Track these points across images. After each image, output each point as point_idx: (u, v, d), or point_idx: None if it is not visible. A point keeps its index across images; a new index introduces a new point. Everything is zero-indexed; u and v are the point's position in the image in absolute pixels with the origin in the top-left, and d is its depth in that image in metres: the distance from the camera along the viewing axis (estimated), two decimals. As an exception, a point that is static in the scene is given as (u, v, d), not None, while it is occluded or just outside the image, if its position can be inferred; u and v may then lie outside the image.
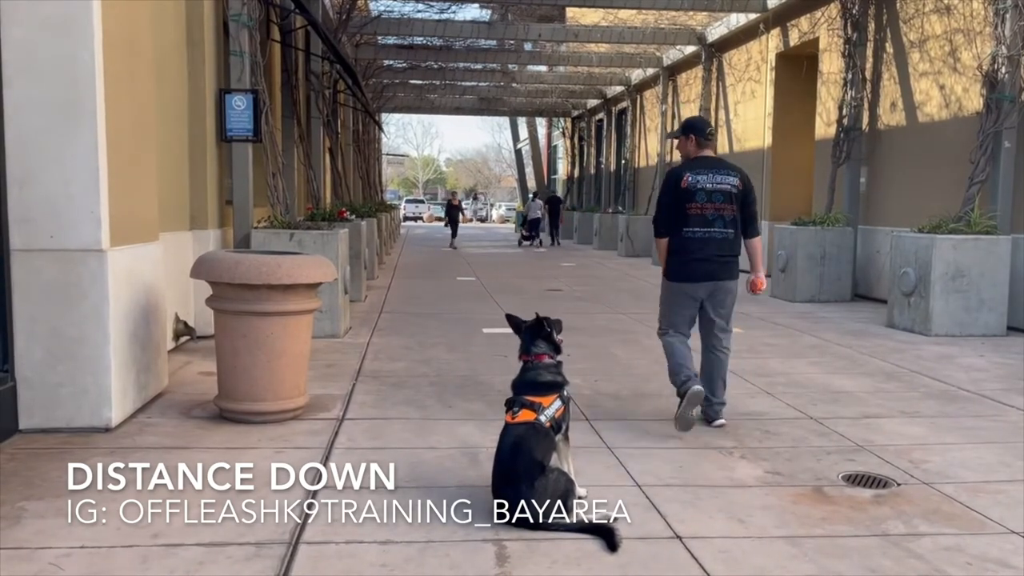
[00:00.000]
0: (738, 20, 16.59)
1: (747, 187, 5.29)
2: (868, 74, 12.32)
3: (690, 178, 5.20)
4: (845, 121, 12.33)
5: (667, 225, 5.31)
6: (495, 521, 3.55)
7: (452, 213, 28.30)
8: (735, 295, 5.39)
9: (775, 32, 15.58)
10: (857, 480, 4.25)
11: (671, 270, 5.35)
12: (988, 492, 4.08)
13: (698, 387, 4.99)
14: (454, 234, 26.61)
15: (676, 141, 5.52)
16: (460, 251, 23.51)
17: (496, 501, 3.59)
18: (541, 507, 3.47)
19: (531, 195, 32.04)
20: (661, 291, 5.50)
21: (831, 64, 13.42)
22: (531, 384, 3.76)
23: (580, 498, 3.71)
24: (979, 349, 8.14)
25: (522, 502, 3.47)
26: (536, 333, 3.92)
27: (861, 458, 4.61)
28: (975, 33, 10.17)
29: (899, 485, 4.18)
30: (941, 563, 3.27)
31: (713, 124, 15.48)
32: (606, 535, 3.40)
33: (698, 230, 5.20)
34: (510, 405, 3.71)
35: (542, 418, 3.63)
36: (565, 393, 3.81)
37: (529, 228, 27.18)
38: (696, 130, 5.38)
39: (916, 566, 3.25)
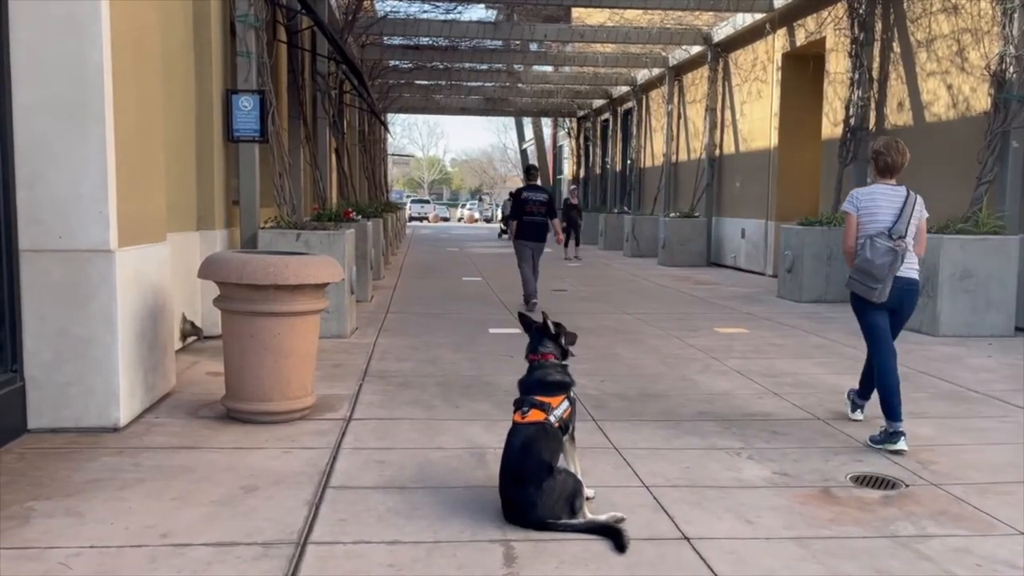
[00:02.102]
0: (744, 20, 16.57)
1: (551, 198, 11.24)
2: (875, 74, 12.29)
3: (525, 194, 10.93)
4: (852, 121, 12.31)
5: (516, 215, 10.95)
6: (503, 522, 3.56)
7: (571, 214, 21.43)
8: (542, 248, 11.04)
9: (781, 32, 15.55)
10: (865, 481, 4.24)
11: (520, 235, 10.93)
12: (997, 493, 4.07)
13: (535, 301, 10.55)
14: (577, 241, 21.09)
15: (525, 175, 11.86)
16: (464, 251, 23.45)
17: (504, 501, 3.60)
18: (549, 508, 3.48)
19: (510, 194, 35.05)
20: (514, 247, 11.05)
21: (838, 64, 13.39)
22: (540, 383, 3.77)
23: (588, 498, 3.71)
24: (987, 350, 8.11)
25: (530, 503, 3.48)
26: (544, 333, 3.94)
27: (869, 459, 4.60)
28: (983, 33, 10.14)
29: (907, 486, 4.17)
30: (950, 564, 3.26)
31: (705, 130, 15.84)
32: (614, 536, 3.40)
33: (528, 218, 10.85)
34: (519, 405, 3.72)
35: (551, 418, 3.64)
36: (572, 394, 3.82)
37: (507, 222, 30.44)
38: (530, 171, 11.67)
39: (925, 567, 3.24)
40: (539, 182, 11.26)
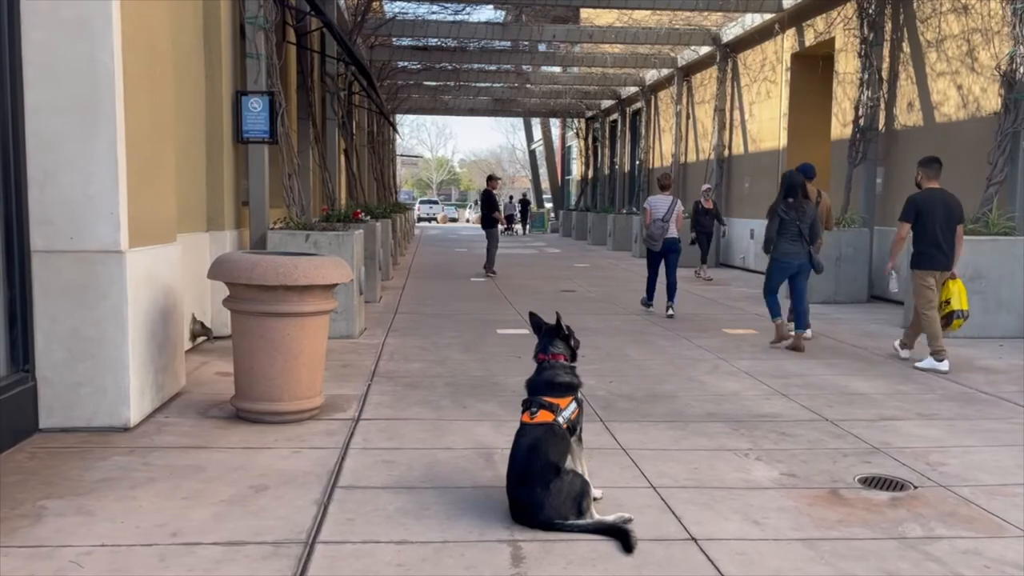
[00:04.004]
0: (753, 20, 16.55)
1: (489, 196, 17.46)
2: (884, 74, 12.26)
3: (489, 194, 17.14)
4: (861, 121, 12.27)
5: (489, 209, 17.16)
6: (510, 522, 3.57)
7: (702, 221, 15.87)
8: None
9: (790, 32, 15.52)
10: (874, 482, 4.23)
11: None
12: (1006, 495, 4.06)
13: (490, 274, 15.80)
14: (704, 256, 15.86)
15: (492, 182, 17.22)
16: (473, 252, 23.41)
17: (511, 502, 3.61)
18: (556, 508, 3.48)
19: (509, 197, 43.73)
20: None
21: (847, 64, 13.36)
22: (549, 384, 3.77)
23: (595, 499, 3.71)
24: (997, 351, 8.08)
25: (537, 503, 3.49)
26: (556, 334, 3.95)
27: (877, 460, 4.59)
28: (993, 33, 10.10)
29: (916, 488, 4.16)
30: (958, 566, 3.26)
31: (721, 124, 16.26)
32: (621, 536, 3.40)
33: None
34: (527, 405, 3.72)
35: (560, 419, 3.64)
36: (579, 395, 3.83)
37: (506, 221, 36.70)
38: (492, 178, 17.08)
39: (933, 569, 3.24)
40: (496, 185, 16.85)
